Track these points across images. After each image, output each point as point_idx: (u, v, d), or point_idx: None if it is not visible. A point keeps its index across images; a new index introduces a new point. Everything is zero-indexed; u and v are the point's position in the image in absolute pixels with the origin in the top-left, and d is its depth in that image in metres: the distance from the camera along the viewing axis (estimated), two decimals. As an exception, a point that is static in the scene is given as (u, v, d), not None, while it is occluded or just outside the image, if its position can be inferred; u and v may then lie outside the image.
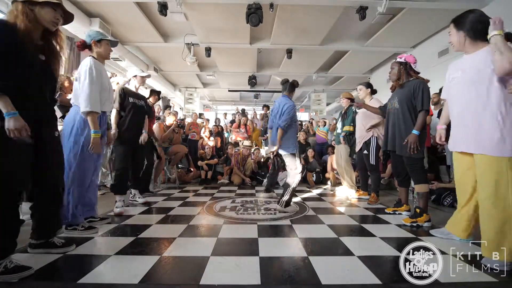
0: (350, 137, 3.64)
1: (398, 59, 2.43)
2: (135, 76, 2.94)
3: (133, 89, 2.93)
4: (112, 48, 2.24)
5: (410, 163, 2.32)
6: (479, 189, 1.57)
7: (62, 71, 1.64)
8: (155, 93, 3.86)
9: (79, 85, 1.96)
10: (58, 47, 1.55)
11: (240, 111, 8.01)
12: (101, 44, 2.10)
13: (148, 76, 3.12)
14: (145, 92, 3.69)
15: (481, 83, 1.53)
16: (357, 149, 3.39)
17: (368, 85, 3.33)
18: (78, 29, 4.57)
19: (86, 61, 1.99)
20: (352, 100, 3.78)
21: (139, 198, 3.08)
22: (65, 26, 4.33)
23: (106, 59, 2.19)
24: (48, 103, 1.54)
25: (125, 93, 2.79)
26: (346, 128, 3.65)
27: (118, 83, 4.19)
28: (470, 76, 1.59)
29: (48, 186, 1.57)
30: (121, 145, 2.70)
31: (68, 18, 1.57)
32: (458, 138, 1.68)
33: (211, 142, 5.67)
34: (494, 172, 1.47)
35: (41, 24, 1.43)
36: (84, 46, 2.10)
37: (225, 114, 10.28)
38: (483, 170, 1.53)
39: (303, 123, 7.88)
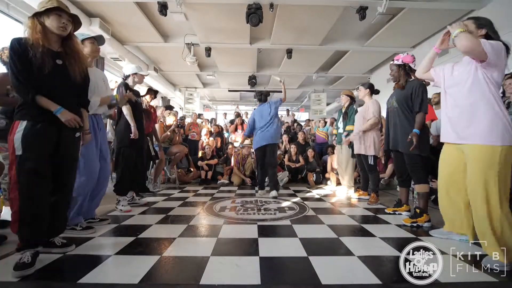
0: None
1: (395, 61, 2.43)
2: (135, 73, 2.86)
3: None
4: (102, 46, 2.19)
5: (411, 163, 2.32)
6: (470, 183, 1.58)
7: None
8: (151, 92, 3.79)
9: None
10: (75, 51, 1.62)
11: (236, 114, 8.06)
12: (85, 45, 2.03)
13: (147, 74, 3.07)
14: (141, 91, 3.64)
15: (472, 79, 1.58)
16: (355, 150, 3.39)
17: (368, 86, 3.34)
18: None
19: None
20: (352, 98, 3.79)
21: (138, 199, 3.06)
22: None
23: (95, 58, 2.17)
24: (70, 105, 1.57)
25: (128, 90, 2.73)
26: (348, 128, 3.64)
27: (116, 82, 4.18)
28: (467, 70, 1.62)
29: (61, 187, 1.59)
30: (125, 146, 2.67)
31: (77, 23, 1.64)
32: (451, 129, 1.72)
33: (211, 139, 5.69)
34: (485, 163, 1.50)
35: (52, 32, 1.52)
36: None
37: (225, 114, 10.28)
38: (473, 161, 1.56)
39: (303, 124, 7.89)
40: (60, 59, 1.54)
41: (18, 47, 1.42)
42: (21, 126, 1.40)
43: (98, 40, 2.12)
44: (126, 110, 2.65)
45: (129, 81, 2.85)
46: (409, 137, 2.21)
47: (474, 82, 1.57)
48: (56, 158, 1.52)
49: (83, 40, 2.04)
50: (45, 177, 1.46)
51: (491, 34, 1.58)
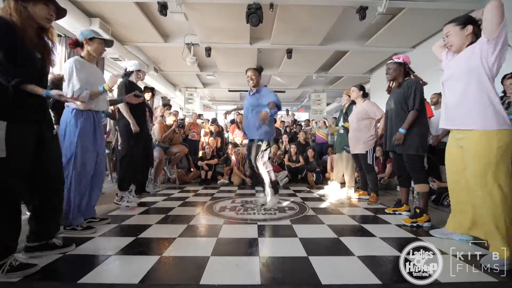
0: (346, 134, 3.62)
1: (396, 60, 2.44)
2: (139, 70, 2.86)
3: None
4: (107, 48, 2.20)
5: (410, 162, 2.33)
6: (470, 173, 1.59)
7: (56, 68, 1.61)
8: (149, 89, 3.79)
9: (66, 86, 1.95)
10: (50, 43, 1.51)
11: (236, 114, 8.03)
12: (93, 42, 2.05)
13: (148, 71, 3.08)
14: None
15: (469, 67, 1.61)
16: (352, 151, 3.38)
17: (361, 88, 3.34)
18: (78, 29, 4.58)
19: (68, 63, 1.97)
20: None
21: (133, 196, 2.89)
22: (65, 26, 4.38)
23: (97, 57, 2.16)
24: (45, 103, 1.53)
25: (132, 87, 2.72)
26: (346, 125, 3.63)
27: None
28: (465, 57, 1.66)
29: (49, 185, 1.56)
30: (128, 142, 2.66)
31: (60, 13, 1.53)
32: (445, 117, 1.76)
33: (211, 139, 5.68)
34: (484, 149, 1.52)
35: (35, 22, 1.39)
36: (76, 44, 2.06)
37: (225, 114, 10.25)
38: (471, 149, 1.57)
39: (302, 123, 7.89)
40: (39, 52, 1.43)
41: (5, 25, 1.26)
42: (1, 125, 1.26)
43: (107, 43, 2.15)
44: (122, 106, 2.63)
45: (132, 78, 2.86)
46: (393, 138, 2.26)
47: (470, 70, 1.60)
48: (41, 158, 1.47)
49: (91, 38, 2.04)
50: (24, 181, 1.40)
51: (478, 32, 1.62)
